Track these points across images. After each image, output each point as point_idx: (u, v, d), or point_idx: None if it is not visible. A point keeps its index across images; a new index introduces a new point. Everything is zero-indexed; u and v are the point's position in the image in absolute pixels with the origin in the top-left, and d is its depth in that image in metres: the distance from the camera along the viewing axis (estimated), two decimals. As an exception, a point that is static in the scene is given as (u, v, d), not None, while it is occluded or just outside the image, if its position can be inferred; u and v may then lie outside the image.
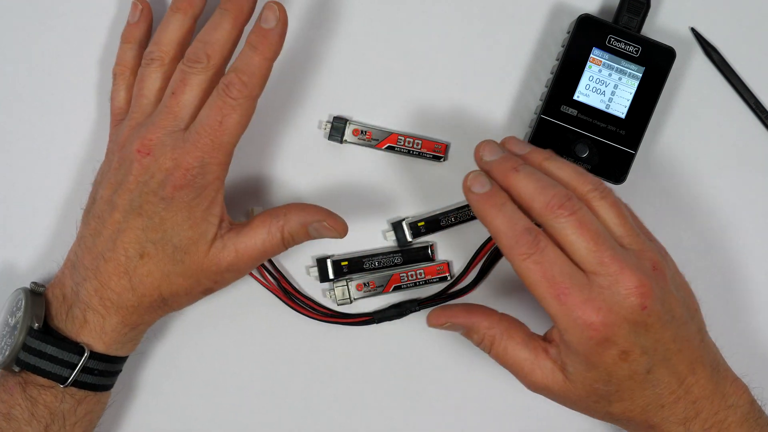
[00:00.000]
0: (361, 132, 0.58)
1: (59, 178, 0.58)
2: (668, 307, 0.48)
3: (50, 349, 0.50)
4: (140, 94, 0.53)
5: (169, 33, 0.53)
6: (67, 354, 0.50)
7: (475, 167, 0.51)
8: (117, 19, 0.58)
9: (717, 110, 0.59)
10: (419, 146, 0.58)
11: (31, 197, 0.58)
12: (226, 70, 0.51)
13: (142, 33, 0.56)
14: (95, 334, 0.51)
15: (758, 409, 0.51)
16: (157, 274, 0.50)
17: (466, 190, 0.49)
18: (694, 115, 0.59)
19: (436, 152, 0.58)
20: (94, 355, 0.51)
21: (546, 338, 0.51)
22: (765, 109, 0.59)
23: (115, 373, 0.53)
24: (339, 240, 0.58)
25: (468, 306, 0.53)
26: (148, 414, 0.59)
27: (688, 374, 0.49)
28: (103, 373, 0.52)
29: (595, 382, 0.48)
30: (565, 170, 0.50)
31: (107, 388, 0.53)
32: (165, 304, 0.52)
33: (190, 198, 0.50)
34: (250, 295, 0.58)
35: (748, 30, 0.59)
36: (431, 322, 0.53)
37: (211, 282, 0.52)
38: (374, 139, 0.58)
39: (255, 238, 0.52)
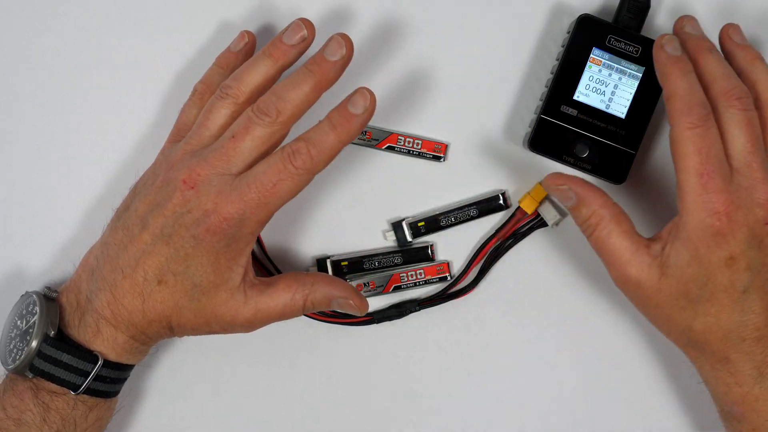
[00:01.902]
0: (361, 132, 0.58)
1: (59, 179, 0.58)
2: None
3: (65, 357, 0.50)
4: (203, 125, 0.52)
5: (253, 75, 0.52)
6: (81, 362, 0.50)
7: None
8: (117, 19, 0.58)
9: (717, 110, 0.59)
10: (419, 146, 0.58)
11: (31, 198, 0.58)
12: (294, 132, 0.50)
13: (237, 63, 0.55)
14: (108, 343, 0.51)
15: None
16: (170, 303, 0.50)
17: (658, 47, 0.51)
18: (694, 115, 0.59)
19: (436, 152, 0.58)
20: (107, 364, 0.51)
21: (650, 238, 0.51)
22: (765, 109, 0.59)
23: (123, 380, 0.54)
24: (339, 240, 0.59)
25: (586, 181, 0.52)
26: (149, 413, 0.59)
27: None
28: (114, 380, 0.52)
29: (692, 281, 0.48)
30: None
31: (116, 394, 0.53)
32: (170, 331, 0.52)
33: (220, 245, 0.49)
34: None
35: (748, 30, 0.59)
36: (548, 181, 0.53)
37: (219, 328, 0.52)
38: (374, 139, 0.58)
39: (277, 301, 0.51)
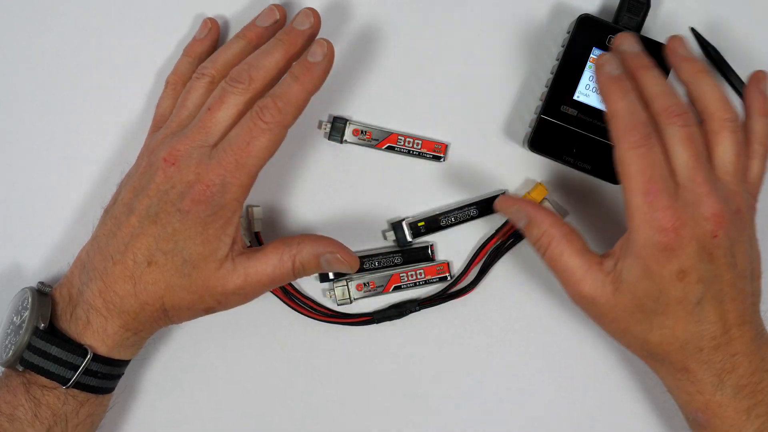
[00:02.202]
0: (361, 132, 0.58)
1: (59, 179, 0.58)
2: (734, 251, 0.49)
3: (54, 350, 0.50)
4: (182, 105, 0.53)
5: (227, 55, 0.54)
6: (70, 355, 0.50)
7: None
8: (117, 19, 0.58)
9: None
10: (419, 146, 0.58)
11: (32, 198, 0.59)
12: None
13: (204, 50, 0.57)
14: (98, 336, 0.51)
15: None
16: (162, 284, 0.50)
17: (598, 68, 0.51)
18: (694, 115, 0.59)
19: (436, 152, 0.58)
20: (97, 358, 0.51)
21: (602, 255, 0.51)
22: (765, 109, 0.59)
23: (117, 377, 0.53)
24: (339, 240, 0.58)
25: (536, 203, 0.53)
26: (149, 413, 0.59)
27: (735, 326, 0.49)
28: (105, 375, 0.52)
29: (645, 295, 0.49)
30: (715, 90, 0.51)
31: (109, 390, 0.53)
32: (165, 315, 0.52)
33: (206, 214, 0.49)
34: (250, 295, 0.58)
35: (748, 30, 0.59)
36: (500, 203, 0.54)
37: (214, 301, 0.52)
38: (374, 139, 0.58)
39: (266, 264, 0.51)
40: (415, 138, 0.58)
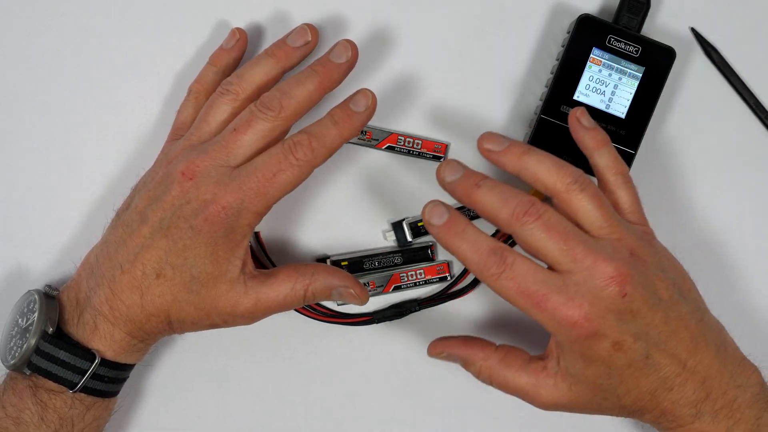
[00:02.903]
0: (361, 132, 0.58)
1: (59, 179, 0.58)
2: (653, 290, 0.48)
3: (62, 354, 0.50)
4: (204, 120, 0.52)
5: (255, 73, 0.53)
6: (78, 360, 0.50)
7: (471, 168, 0.51)
8: (117, 19, 0.58)
9: (717, 110, 0.59)
10: (419, 146, 0.58)
11: (32, 198, 0.58)
12: (296, 130, 0.51)
13: (230, 61, 0.56)
14: (105, 341, 0.51)
15: None
16: (169, 297, 0.50)
17: (427, 224, 0.49)
18: (694, 115, 0.59)
19: (436, 152, 0.58)
20: (105, 362, 0.51)
21: (543, 356, 0.51)
22: (765, 109, 0.59)
23: (122, 380, 0.53)
24: (339, 240, 0.59)
25: (465, 338, 0.54)
26: (149, 413, 0.59)
27: (690, 355, 0.49)
28: (112, 380, 0.52)
29: (597, 377, 0.48)
30: (544, 163, 0.49)
31: (114, 394, 0.53)
32: (170, 327, 0.52)
33: (218, 236, 0.49)
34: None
35: (748, 30, 0.59)
36: (430, 352, 0.55)
37: (220, 320, 0.51)
38: (374, 139, 0.58)
39: (278, 291, 0.51)
40: (415, 138, 0.58)
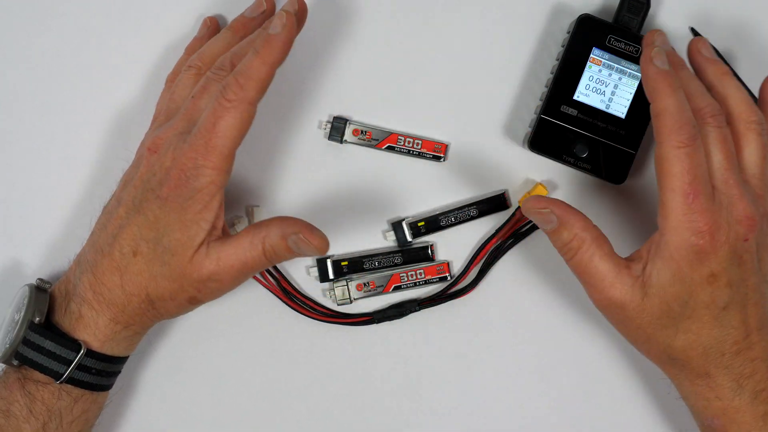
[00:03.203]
0: (361, 132, 0.58)
1: (59, 178, 0.58)
2: (760, 256, 0.49)
3: (48, 344, 0.50)
4: (171, 99, 0.53)
5: (214, 47, 0.54)
6: (64, 350, 0.50)
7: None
8: (118, 18, 0.58)
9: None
10: (419, 146, 0.58)
11: (32, 197, 0.58)
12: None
13: None
14: (90, 330, 0.51)
15: None
16: (146, 274, 0.50)
17: (647, 60, 0.49)
18: (694, 115, 0.59)
19: (436, 152, 0.58)
20: (91, 353, 0.51)
21: (629, 257, 0.50)
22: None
23: (112, 374, 0.53)
24: (339, 240, 0.58)
25: (565, 203, 0.51)
26: (148, 413, 0.59)
27: (755, 330, 0.49)
28: (100, 372, 0.52)
29: (674, 299, 0.48)
30: (742, 91, 0.51)
31: (104, 388, 0.53)
32: (153, 307, 0.51)
33: (183, 199, 0.49)
34: (250, 295, 0.58)
35: (748, 30, 0.59)
36: (531, 204, 0.51)
37: (194, 290, 0.51)
38: (374, 139, 0.58)
39: (237, 248, 0.50)
40: (415, 138, 0.58)
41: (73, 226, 0.58)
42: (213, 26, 0.58)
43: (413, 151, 0.58)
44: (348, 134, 0.58)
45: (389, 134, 0.58)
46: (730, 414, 0.49)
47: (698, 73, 0.53)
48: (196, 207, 0.49)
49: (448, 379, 0.59)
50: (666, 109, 0.48)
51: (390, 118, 0.59)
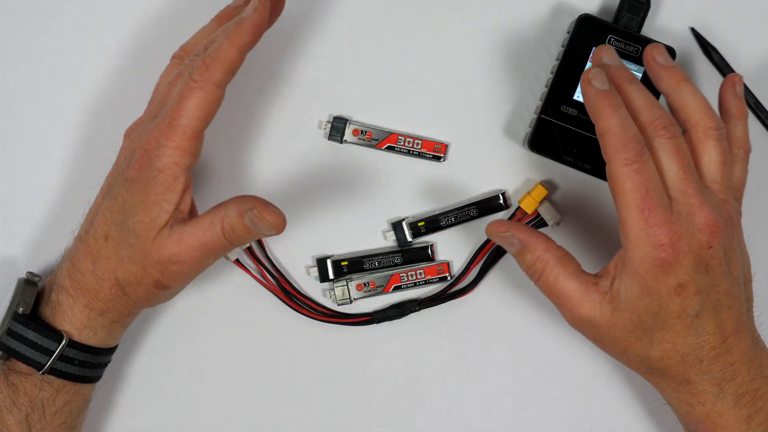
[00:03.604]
0: (361, 132, 0.58)
1: (59, 178, 0.59)
2: (729, 260, 0.49)
3: (31, 335, 0.50)
4: (155, 90, 0.54)
5: (197, 37, 0.55)
6: (45, 340, 0.50)
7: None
8: (118, 18, 0.58)
9: (717, 110, 0.59)
10: (419, 146, 0.58)
11: (31, 197, 0.58)
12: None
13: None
14: (67, 317, 0.51)
15: None
16: (114, 257, 0.50)
17: (585, 83, 0.49)
18: (694, 115, 0.59)
19: (436, 152, 0.58)
20: (73, 344, 0.51)
21: (597, 274, 0.51)
22: (765, 109, 0.59)
23: (96, 366, 0.53)
24: (339, 240, 0.58)
25: (529, 227, 0.53)
26: (148, 413, 0.59)
27: (732, 333, 0.49)
28: (83, 363, 0.51)
29: (644, 312, 0.48)
30: (698, 98, 0.51)
31: (88, 380, 0.53)
32: (123, 293, 0.51)
33: (147, 180, 0.49)
34: (250, 295, 0.58)
35: (748, 30, 0.59)
36: (493, 229, 0.52)
37: (157, 273, 0.49)
38: (374, 139, 0.58)
39: (197, 228, 0.49)
40: (415, 138, 0.58)
41: (73, 227, 0.58)
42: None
43: (413, 151, 0.58)
44: (348, 134, 0.58)
45: (389, 134, 0.58)
46: (714, 418, 0.49)
47: (654, 81, 0.52)
48: (159, 188, 0.49)
49: (448, 379, 0.59)
50: (609, 129, 0.48)
51: (390, 118, 0.59)
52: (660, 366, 0.50)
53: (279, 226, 0.48)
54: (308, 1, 0.59)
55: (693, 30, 0.59)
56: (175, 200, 0.49)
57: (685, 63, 0.59)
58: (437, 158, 0.58)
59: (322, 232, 0.59)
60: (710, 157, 0.50)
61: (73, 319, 0.51)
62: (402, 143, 0.58)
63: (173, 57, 0.55)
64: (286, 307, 0.58)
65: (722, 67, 0.58)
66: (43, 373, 0.50)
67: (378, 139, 0.58)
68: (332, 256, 0.59)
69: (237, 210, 0.48)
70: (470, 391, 0.59)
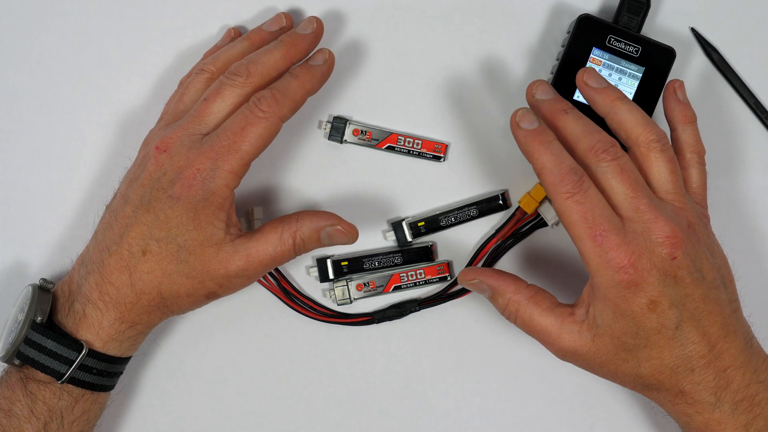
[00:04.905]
0: (361, 132, 0.58)
1: (61, 178, 0.59)
2: (699, 266, 0.49)
3: (50, 344, 0.50)
4: (179, 100, 0.54)
5: (229, 54, 0.54)
6: (65, 350, 0.50)
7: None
8: (118, 18, 0.58)
9: (717, 110, 0.59)
10: (419, 146, 0.58)
11: (33, 197, 0.59)
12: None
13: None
14: (93, 329, 0.51)
15: None
16: (158, 272, 0.50)
17: (514, 126, 0.50)
18: (694, 115, 0.59)
19: (436, 152, 0.58)
20: (93, 354, 0.51)
21: (572, 304, 0.51)
22: (765, 109, 0.59)
23: (114, 375, 0.53)
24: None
25: (498, 270, 0.53)
26: (148, 412, 0.59)
27: (720, 339, 0.49)
28: (101, 372, 0.52)
29: (624, 334, 0.48)
30: (635, 114, 0.51)
31: (106, 389, 0.53)
32: (164, 305, 0.52)
33: (197, 200, 0.50)
34: (250, 295, 0.58)
35: (748, 30, 0.59)
36: (462, 278, 0.54)
37: (216, 285, 0.51)
38: (374, 139, 0.58)
39: (266, 244, 0.51)
40: (415, 138, 0.58)
41: (75, 226, 0.59)
42: (236, 35, 0.58)
43: (413, 151, 0.58)
44: (348, 134, 0.58)
45: (389, 134, 0.58)
46: (713, 427, 0.49)
47: (591, 105, 0.52)
48: (210, 209, 0.50)
49: (448, 378, 0.59)
50: (543, 166, 0.49)
51: (390, 118, 0.59)
52: (653, 382, 0.50)
53: (355, 237, 0.53)
54: (308, 2, 0.59)
55: (693, 30, 0.59)
56: (225, 219, 0.51)
57: (685, 63, 0.59)
58: (437, 158, 0.58)
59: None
60: (658, 169, 0.50)
61: (101, 332, 0.51)
62: (402, 143, 0.58)
63: (202, 70, 0.53)
64: (286, 307, 0.58)
65: (722, 67, 0.58)
66: (62, 383, 0.50)
67: (378, 139, 0.58)
68: (332, 256, 0.59)
69: (313, 227, 0.52)
70: (470, 390, 0.59)
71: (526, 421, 0.59)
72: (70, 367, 0.50)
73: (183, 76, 0.57)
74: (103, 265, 0.51)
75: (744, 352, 0.49)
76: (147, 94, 0.59)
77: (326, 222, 0.52)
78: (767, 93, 0.59)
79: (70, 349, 0.50)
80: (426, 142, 0.58)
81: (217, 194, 0.50)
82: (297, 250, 0.52)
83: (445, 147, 0.58)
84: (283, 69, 0.53)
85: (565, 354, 0.51)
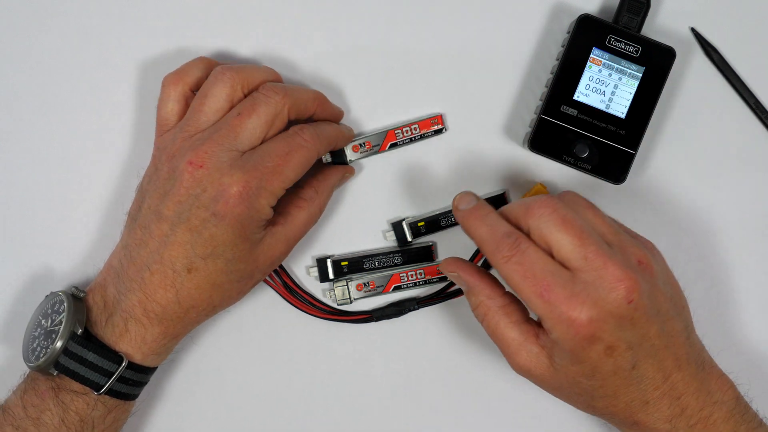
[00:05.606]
0: (361, 145, 0.58)
1: (59, 178, 0.59)
2: (654, 301, 0.48)
3: (91, 356, 0.50)
4: (200, 109, 0.52)
5: (256, 73, 0.54)
6: (105, 362, 0.50)
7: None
8: (118, 18, 0.58)
9: (717, 110, 0.59)
10: (417, 130, 0.58)
11: (31, 197, 0.59)
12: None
13: (213, 62, 0.56)
14: (135, 343, 0.51)
15: (744, 405, 0.51)
16: (207, 286, 0.51)
17: (455, 209, 0.51)
18: (694, 115, 0.59)
19: (435, 126, 0.58)
20: (131, 366, 0.51)
21: (540, 324, 0.50)
22: (765, 109, 0.59)
23: (144, 383, 0.54)
24: (339, 240, 0.59)
25: (481, 270, 0.53)
26: (148, 411, 0.59)
27: (674, 370, 0.49)
28: (135, 383, 0.52)
29: (579, 375, 0.48)
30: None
31: (135, 397, 0.54)
32: (213, 311, 0.53)
33: (242, 217, 0.50)
34: (249, 294, 0.58)
35: (748, 30, 0.59)
36: (444, 266, 0.54)
37: (262, 275, 0.54)
38: (375, 145, 0.58)
39: (299, 224, 0.54)
40: (410, 124, 0.58)
41: (75, 227, 0.59)
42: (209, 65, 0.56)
43: (414, 137, 0.58)
44: (350, 154, 0.58)
45: (386, 133, 0.58)
46: None
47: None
48: (254, 225, 0.51)
49: (447, 377, 0.59)
50: (481, 237, 0.49)
51: (390, 119, 0.59)
52: (606, 413, 0.50)
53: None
54: (307, 2, 0.59)
55: (693, 30, 0.59)
56: (265, 224, 0.52)
57: (685, 63, 0.59)
58: (439, 131, 0.58)
59: (322, 232, 0.59)
60: (588, 219, 0.49)
61: (143, 346, 0.51)
62: (401, 135, 0.58)
63: (223, 80, 0.52)
64: (286, 305, 0.58)
65: (722, 67, 0.58)
66: (99, 394, 0.50)
67: (378, 144, 0.58)
68: (332, 256, 0.59)
69: (331, 190, 0.56)
70: (469, 389, 0.59)
71: (526, 420, 0.60)
72: (110, 379, 0.50)
73: (168, 74, 0.54)
74: (145, 283, 0.50)
75: (697, 378, 0.49)
76: (149, 94, 0.58)
77: (338, 177, 0.56)
78: (767, 93, 0.59)
79: (110, 361, 0.50)
80: (421, 122, 0.58)
81: (261, 212, 0.50)
82: (322, 212, 0.56)
83: (440, 117, 0.58)
84: (311, 111, 0.54)
85: (519, 369, 0.50)
